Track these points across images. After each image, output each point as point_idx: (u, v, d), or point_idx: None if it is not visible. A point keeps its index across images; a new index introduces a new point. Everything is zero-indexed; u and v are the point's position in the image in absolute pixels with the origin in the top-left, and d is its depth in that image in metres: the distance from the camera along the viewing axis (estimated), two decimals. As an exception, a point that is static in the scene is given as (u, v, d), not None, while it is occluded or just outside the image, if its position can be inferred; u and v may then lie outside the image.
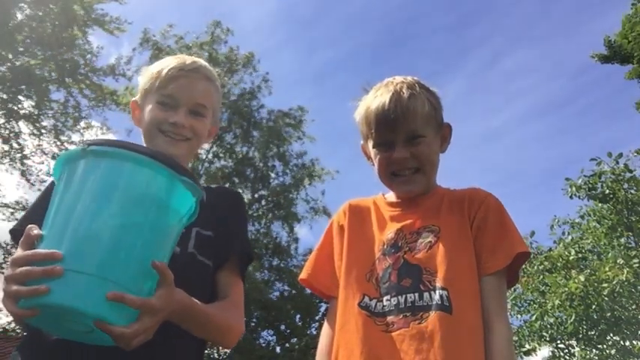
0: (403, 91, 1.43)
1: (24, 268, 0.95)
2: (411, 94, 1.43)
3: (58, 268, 0.92)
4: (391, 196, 1.55)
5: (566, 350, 9.57)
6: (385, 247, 1.42)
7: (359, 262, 1.43)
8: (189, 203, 1.12)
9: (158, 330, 1.05)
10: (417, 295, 1.31)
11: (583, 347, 9.28)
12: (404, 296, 1.32)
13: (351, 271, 1.43)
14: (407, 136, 1.42)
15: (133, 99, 1.53)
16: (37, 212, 1.19)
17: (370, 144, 1.49)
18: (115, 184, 1.03)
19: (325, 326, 1.48)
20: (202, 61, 1.50)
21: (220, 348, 17.33)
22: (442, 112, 1.51)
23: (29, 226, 1.03)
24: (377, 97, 1.45)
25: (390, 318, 1.31)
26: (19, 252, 1.02)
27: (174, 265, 1.10)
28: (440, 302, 1.28)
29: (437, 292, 1.30)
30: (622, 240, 9.97)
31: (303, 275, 1.53)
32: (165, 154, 1.14)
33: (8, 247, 13.51)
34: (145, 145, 1.46)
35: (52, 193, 1.07)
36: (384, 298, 1.34)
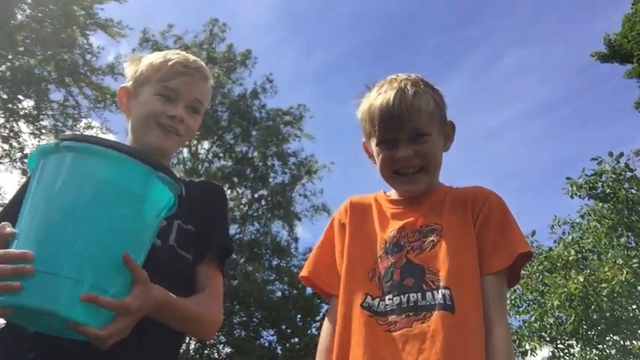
0: (407, 88, 1.41)
1: None
2: (416, 91, 1.41)
3: (28, 267, 0.93)
4: (393, 193, 1.54)
5: (566, 350, 9.56)
6: (387, 245, 1.40)
7: (361, 261, 1.42)
8: (167, 199, 1.10)
9: (136, 323, 1.06)
10: (419, 294, 1.30)
11: (583, 347, 9.27)
12: (406, 296, 1.31)
13: (352, 270, 1.42)
14: (411, 134, 1.41)
15: (122, 85, 1.54)
16: (14, 206, 1.20)
17: (373, 142, 1.47)
18: (87, 182, 1.00)
19: (326, 324, 1.47)
20: (201, 61, 1.58)
21: (221, 348, 17.32)
22: (446, 110, 1.50)
23: (2, 223, 1.05)
24: (381, 94, 1.43)
25: (392, 317, 1.30)
26: None
27: (155, 257, 1.11)
28: (442, 301, 1.27)
29: (439, 291, 1.29)
30: (622, 240, 9.95)
31: (303, 273, 1.51)
32: (141, 150, 1.12)
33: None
34: (134, 134, 1.47)
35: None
36: (387, 297, 1.33)
